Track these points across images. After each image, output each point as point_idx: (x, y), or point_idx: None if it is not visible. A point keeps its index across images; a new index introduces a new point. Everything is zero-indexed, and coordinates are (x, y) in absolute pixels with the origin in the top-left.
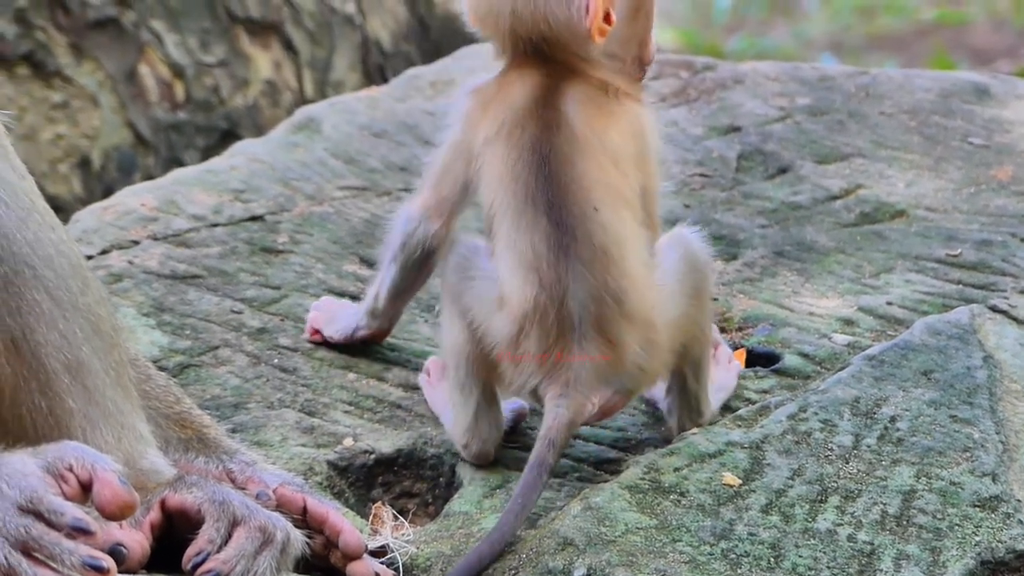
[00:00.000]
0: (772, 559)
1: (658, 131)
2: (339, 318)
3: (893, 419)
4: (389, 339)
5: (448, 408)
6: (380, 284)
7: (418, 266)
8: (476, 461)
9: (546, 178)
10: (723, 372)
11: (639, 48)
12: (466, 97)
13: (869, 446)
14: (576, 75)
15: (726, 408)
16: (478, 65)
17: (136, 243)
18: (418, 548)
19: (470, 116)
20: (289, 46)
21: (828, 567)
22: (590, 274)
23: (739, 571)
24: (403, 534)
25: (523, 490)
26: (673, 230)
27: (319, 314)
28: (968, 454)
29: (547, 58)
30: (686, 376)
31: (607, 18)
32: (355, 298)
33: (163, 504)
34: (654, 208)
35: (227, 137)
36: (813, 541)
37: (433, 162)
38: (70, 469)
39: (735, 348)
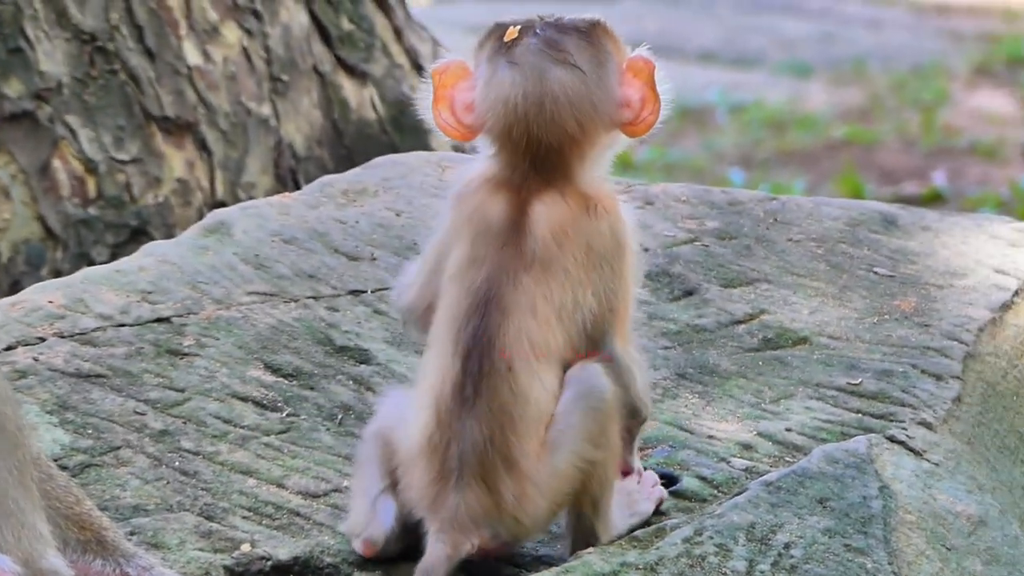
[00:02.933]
0: None
1: (636, 236)
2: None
3: (787, 546)
4: (291, 446)
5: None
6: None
7: None
8: (365, 551)
9: (476, 326)
10: (642, 500)
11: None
12: (451, 207)
13: (763, 572)
14: (557, 188)
15: None
16: (392, 174)
17: (42, 340)
18: None
19: (451, 230)
20: (203, 146)
21: None
22: (481, 428)
23: None
24: None
25: None
26: (578, 365)
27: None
28: None
29: (536, 165)
30: (583, 510)
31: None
32: (258, 404)
33: None
34: (625, 315)
35: (137, 235)
36: None
37: (423, 259)
38: None
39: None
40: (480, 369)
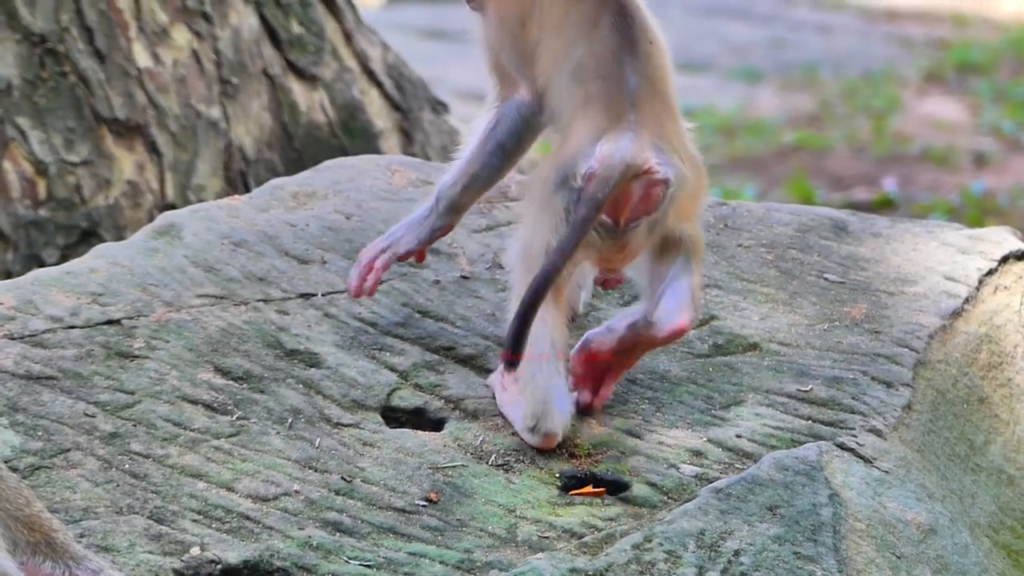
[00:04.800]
0: None
1: None
2: (396, 234)
3: (737, 553)
4: (241, 449)
5: (517, 401)
6: (468, 179)
7: (523, 147)
8: (544, 443)
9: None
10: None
11: None
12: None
13: None
14: None
15: (571, 534)
16: (342, 177)
17: None
18: None
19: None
20: (153, 148)
21: None
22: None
23: None
24: None
25: (574, 226)
26: None
27: (381, 245)
28: None
29: None
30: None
31: None
32: (208, 407)
33: None
34: None
35: (87, 236)
36: None
37: (499, 51)
38: None
39: (583, 477)
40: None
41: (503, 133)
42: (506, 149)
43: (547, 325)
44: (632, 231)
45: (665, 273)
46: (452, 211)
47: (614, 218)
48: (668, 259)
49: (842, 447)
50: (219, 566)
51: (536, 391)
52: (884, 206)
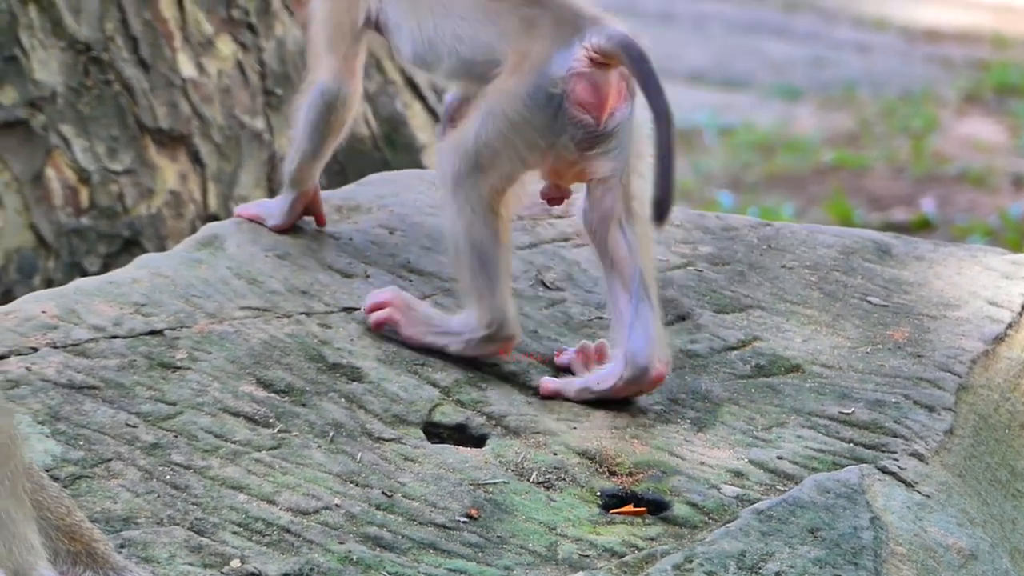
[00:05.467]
0: None
1: None
2: (268, 207)
3: (778, 575)
4: (282, 462)
5: (442, 323)
6: (297, 157)
7: (337, 128)
8: (508, 334)
9: None
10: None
11: None
12: None
13: None
14: None
15: (612, 553)
16: (386, 192)
17: (35, 350)
18: None
19: None
20: (196, 158)
21: None
22: None
23: None
24: None
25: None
26: None
27: (254, 210)
28: None
29: None
30: None
31: None
32: (250, 419)
33: None
34: None
35: (129, 245)
36: None
37: (317, 36)
38: None
39: (624, 496)
40: None
41: (315, 116)
42: (319, 129)
43: (497, 233)
44: (601, 145)
45: (624, 297)
46: (299, 184)
47: (596, 115)
48: (621, 275)
49: (884, 471)
50: None
51: (492, 296)
52: (922, 227)
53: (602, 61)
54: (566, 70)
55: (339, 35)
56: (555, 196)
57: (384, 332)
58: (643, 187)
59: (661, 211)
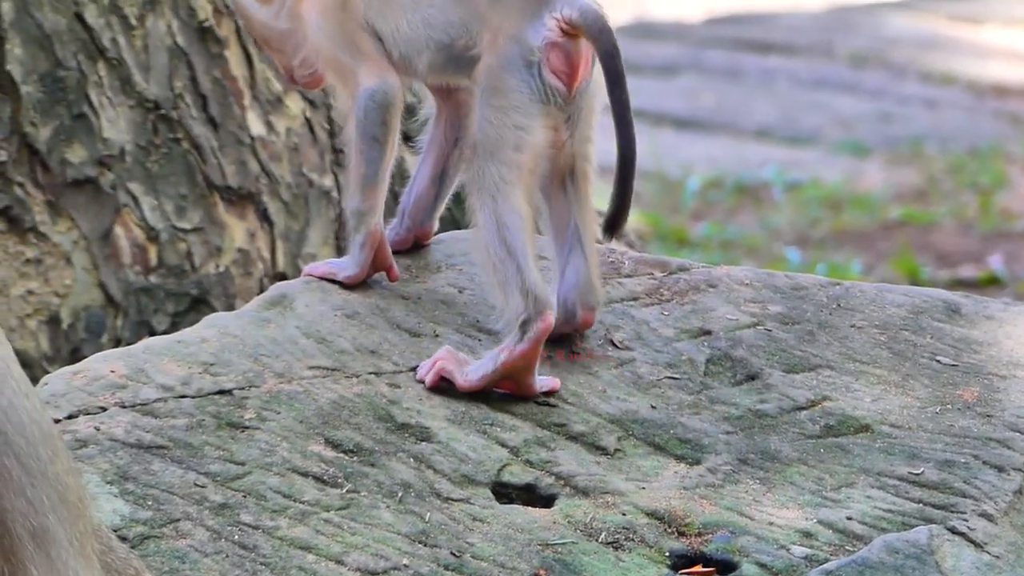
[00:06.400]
0: None
1: None
2: (338, 263)
3: None
4: (351, 522)
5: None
6: (358, 187)
7: (395, 133)
8: (544, 308)
9: None
10: None
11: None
12: None
13: None
14: None
15: None
16: (455, 251)
17: (103, 410)
18: None
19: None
20: (265, 216)
21: None
22: None
23: None
24: None
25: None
26: None
27: (324, 269)
28: None
29: None
30: None
31: None
32: (319, 479)
33: None
34: None
35: (197, 304)
36: None
37: (334, 53)
38: None
39: (693, 556)
40: None
41: (371, 126)
42: (378, 139)
43: (521, 219)
44: (567, 111)
45: (557, 247)
46: (370, 216)
47: (568, 83)
48: (558, 227)
49: (953, 531)
50: None
51: (521, 279)
52: (990, 284)
53: (571, 32)
54: (541, 40)
55: (358, 40)
56: None
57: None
58: (592, 150)
59: (614, 226)
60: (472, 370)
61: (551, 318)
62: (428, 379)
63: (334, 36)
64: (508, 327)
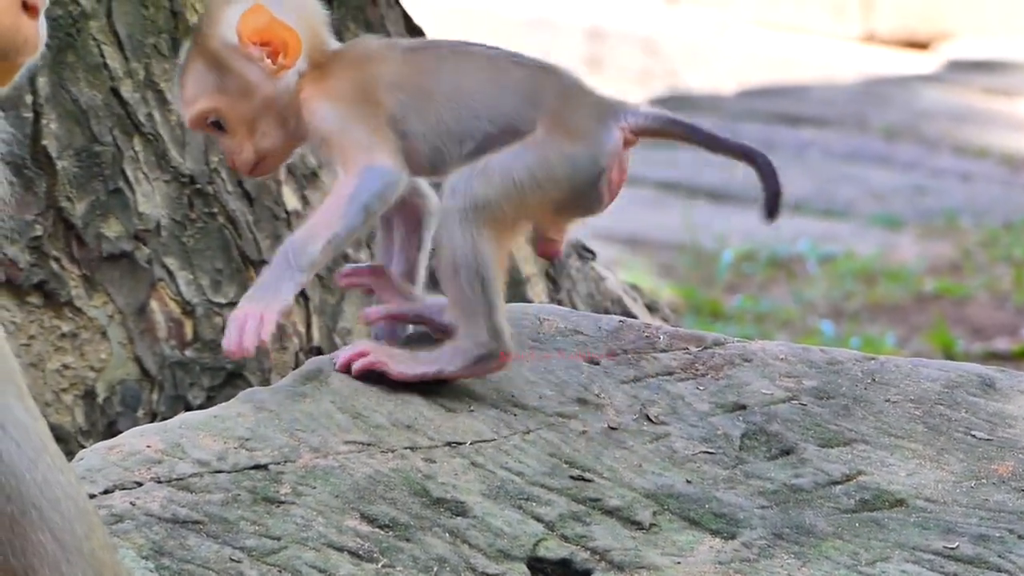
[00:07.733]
0: None
1: None
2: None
3: None
4: None
5: (430, 353)
6: (330, 238)
7: (381, 211)
8: (505, 349)
9: None
10: None
11: None
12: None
13: None
14: None
15: None
16: None
17: (139, 484)
18: None
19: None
20: (300, 291)
21: None
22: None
23: None
24: None
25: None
26: None
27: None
28: None
29: None
30: None
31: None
32: (354, 554)
33: None
34: None
35: (233, 378)
36: None
37: (347, 137)
38: None
39: None
40: None
41: (369, 196)
42: (368, 209)
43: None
44: None
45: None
46: (311, 268)
47: (611, 197)
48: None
49: None
50: None
51: (490, 315)
52: None
53: (632, 142)
54: (612, 146)
55: (379, 134)
56: (552, 249)
57: (391, 379)
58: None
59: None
60: (408, 365)
61: (507, 360)
62: (355, 367)
63: (346, 127)
64: (463, 350)
